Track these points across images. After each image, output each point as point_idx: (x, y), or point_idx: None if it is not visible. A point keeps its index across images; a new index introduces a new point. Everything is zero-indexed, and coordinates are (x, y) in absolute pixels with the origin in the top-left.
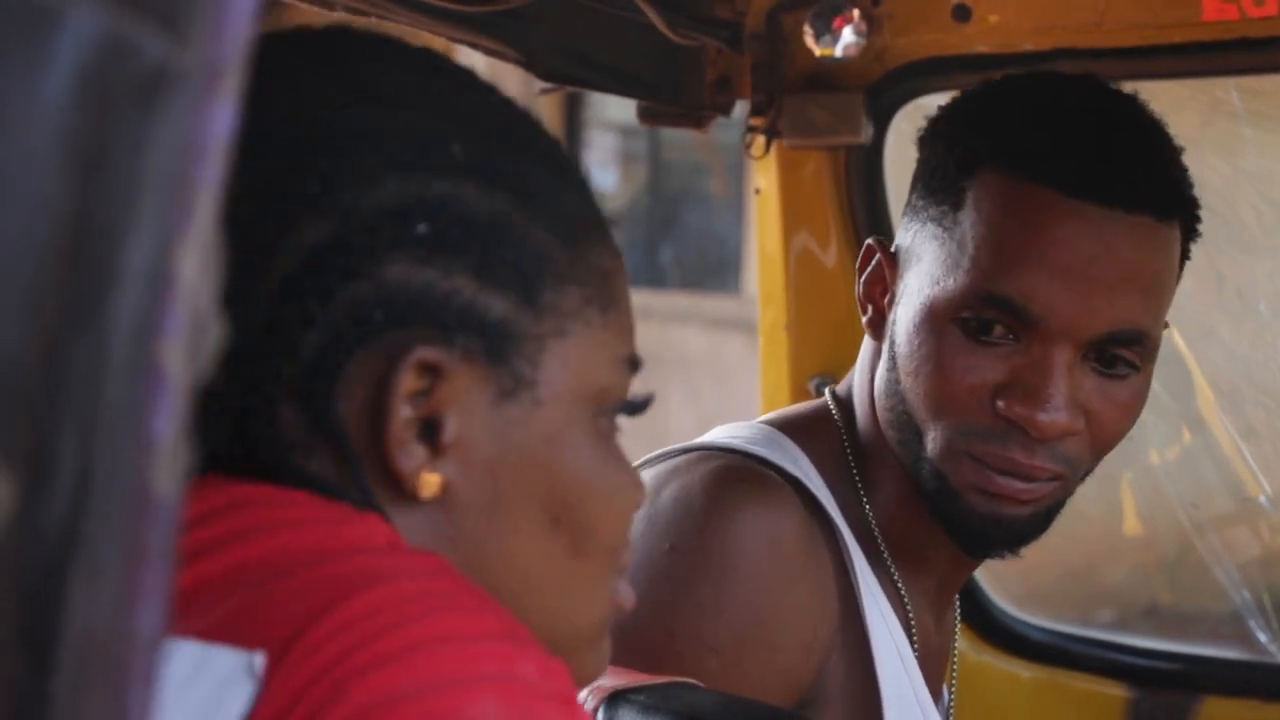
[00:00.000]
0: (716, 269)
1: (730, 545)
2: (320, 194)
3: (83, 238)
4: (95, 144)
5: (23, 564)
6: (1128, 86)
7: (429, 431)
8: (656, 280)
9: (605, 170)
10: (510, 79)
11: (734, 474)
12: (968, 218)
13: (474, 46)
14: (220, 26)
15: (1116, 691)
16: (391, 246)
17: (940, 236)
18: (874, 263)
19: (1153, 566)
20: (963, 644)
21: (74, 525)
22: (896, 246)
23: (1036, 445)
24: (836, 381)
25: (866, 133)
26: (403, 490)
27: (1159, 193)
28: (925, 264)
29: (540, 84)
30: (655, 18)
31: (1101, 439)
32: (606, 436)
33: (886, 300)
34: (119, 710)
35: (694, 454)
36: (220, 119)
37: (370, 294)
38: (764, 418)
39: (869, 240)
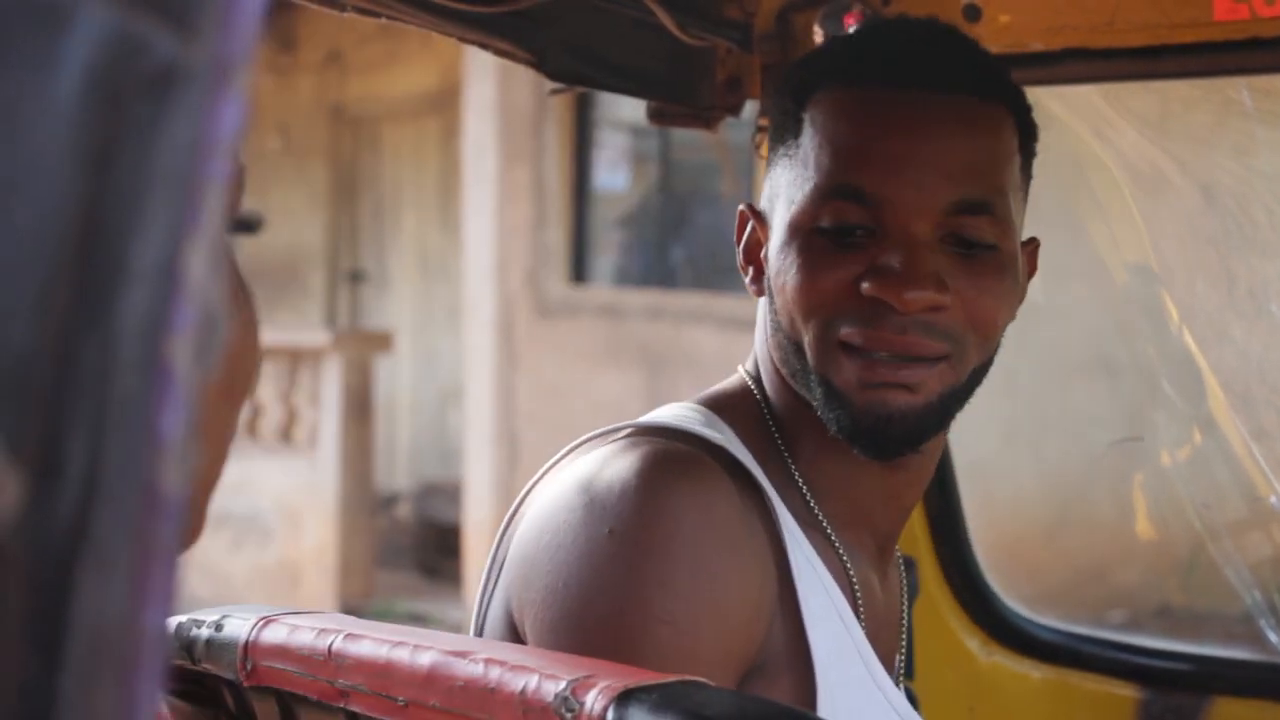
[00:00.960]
0: (728, 269)
1: (668, 522)
2: None
3: (92, 235)
4: (104, 141)
5: (32, 560)
6: (1139, 87)
7: None
8: (668, 280)
9: (616, 170)
10: (521, 79)
11: (666, 455)
12: (808, 137)
13: (485, 47)
14: (229, 23)
15: (1127, 692)
16: None
17: (789, 163)
18: (749, 228)
19: (1164, 568)
20: (971, 642)
21: (83, 522)
22: (763, 207)
23: (908, 324)
24: None
25: None
26: None
27: (976, 76)
28: (782, 195)
29: (551, 84)
30: (665, 18)
31: (976, 317)
32: None
33: (764, 255)
34: (127, 705)
35: (627, 438)
36: (229, 116)
37: None
38: (695, 398)
39: (740, 206)
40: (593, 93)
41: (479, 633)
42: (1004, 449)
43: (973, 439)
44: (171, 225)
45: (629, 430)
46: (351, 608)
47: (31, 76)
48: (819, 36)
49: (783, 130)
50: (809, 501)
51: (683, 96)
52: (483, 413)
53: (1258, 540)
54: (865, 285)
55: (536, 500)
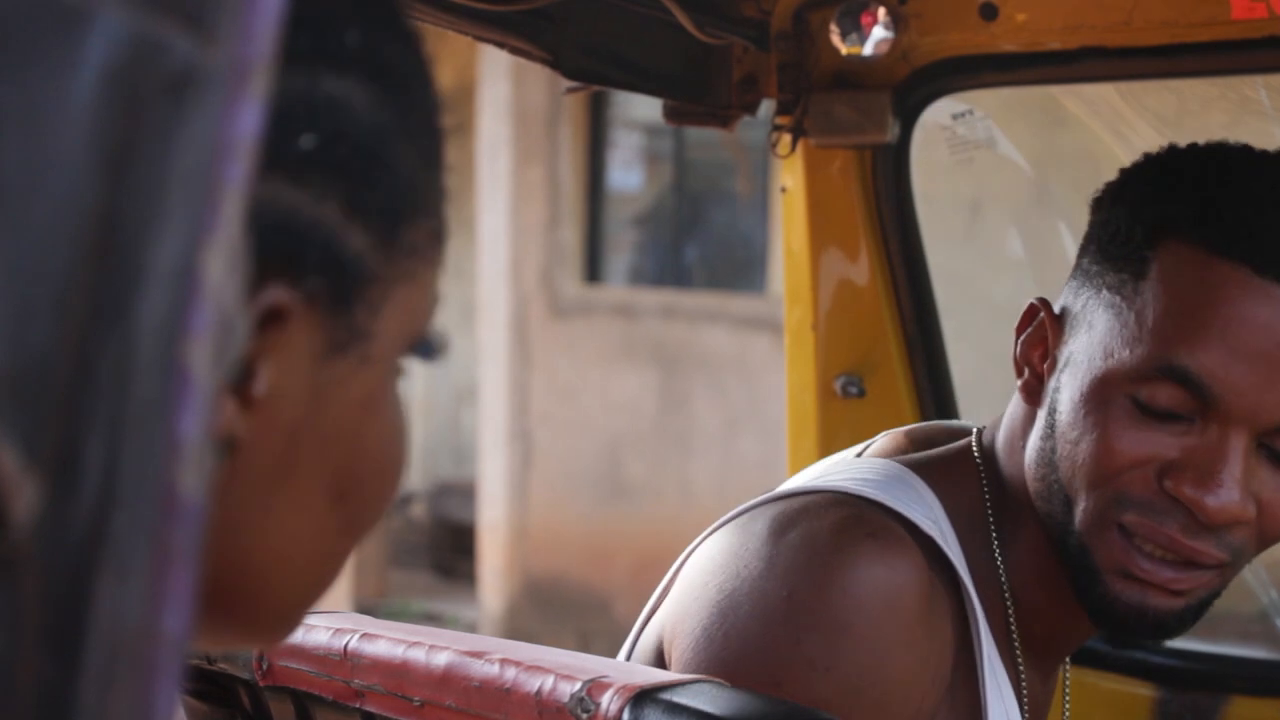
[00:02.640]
0: (742, 268)
1: (848, 603)
2: None
3: (111, 237)
4: (123, 143)
5: (50, 563)
6: (1156, 86)
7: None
8: (682, 280)
9: (630, 170)
10: (536, 78)
11: (861, 526)
12: (1150, 289)
13: (500, 45)
14: (246, 26)
15: (1144, 691)
16: (266, 158)
17: (1117, 305)
18: (1035, 322)
19: None
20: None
21: (101, 525)
22: (1063, 309)
23: (1200, 529)
24: (862, 381)
25: (893, 131)
26: None
27: None
28: (1098, 333)
29: (566, 83)
30: (682, 17)
31: (1267, 530)
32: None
33: (1046, 365)
34: (145, 708)
35: (824, 496)
36: (247, 118)
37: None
38: (900, 454)
39: (1034, 300)
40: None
41: (628, 657)
42: None
43: None
44: (189, 227)
45: (828, 490)
46: (366, 607)
47: (51, 78)
48: (835, 35)
49: (1118, 259)
50: (1006, 600)
51: (699, 95)
52: (497, 412)
53: None
54: (1169, 483)
55: (718, 538)
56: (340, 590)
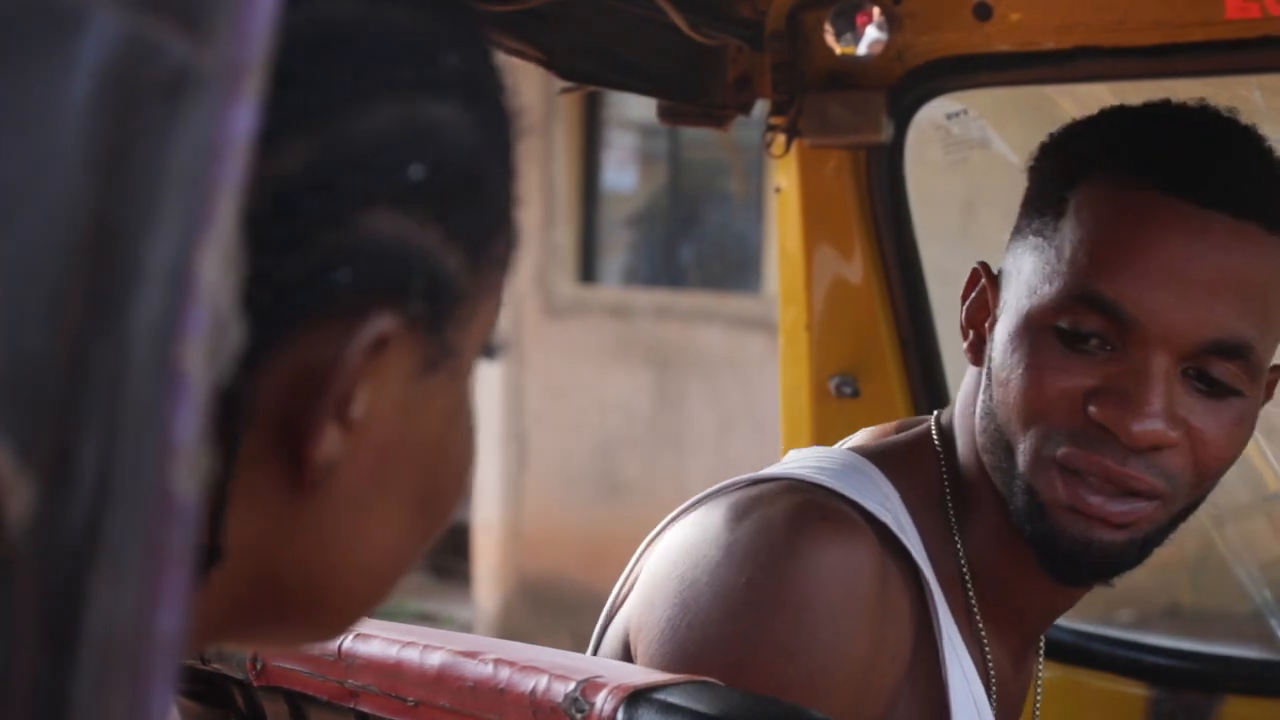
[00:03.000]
0: (737, 268)
1: (807, 586)
2: (300, 112)
3: (105, 238)
4: (118, 144)
5: (46, 564)
6: (1149, 85)
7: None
8: (677, 280)
9: (625, 170)
10: (530, 78)
11: (817, 512)
12: (1068, 224)
13: (494, 45)
14: (241, 27)
15: (1137, 691)
16: (378, 188)
17: (1040, 246)
18: (978, 288)
19: (1173, 566)
20: None
21: (96, 526)
22: (1000, 270)
23: (1129, 454)
24: (857, 381)
25: (887, 131)
26: (291, 481)
27: (1269, 202)
28: (1024, 276)
29: (561, 83)
30: (676, 17)
31: (1203, 461)
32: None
33: (988, 325)
34: (140, 708)
35: (779, 484)
36: (241, 119)
37: (341, 248)
38: (861, 444)
39: (976, 264)
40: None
41: (595, 651)
42: None
43: None
44: (184, 228)
45: (784, 478)
46: None
47: (45, 79)
48: (830, 35)
49: (1041, 205)
50: (966, 582)
51: (693, 95)
52: (491, 412)
53: (1268, 538)
54: (1094, 409)
55: (678, 528)
56: None
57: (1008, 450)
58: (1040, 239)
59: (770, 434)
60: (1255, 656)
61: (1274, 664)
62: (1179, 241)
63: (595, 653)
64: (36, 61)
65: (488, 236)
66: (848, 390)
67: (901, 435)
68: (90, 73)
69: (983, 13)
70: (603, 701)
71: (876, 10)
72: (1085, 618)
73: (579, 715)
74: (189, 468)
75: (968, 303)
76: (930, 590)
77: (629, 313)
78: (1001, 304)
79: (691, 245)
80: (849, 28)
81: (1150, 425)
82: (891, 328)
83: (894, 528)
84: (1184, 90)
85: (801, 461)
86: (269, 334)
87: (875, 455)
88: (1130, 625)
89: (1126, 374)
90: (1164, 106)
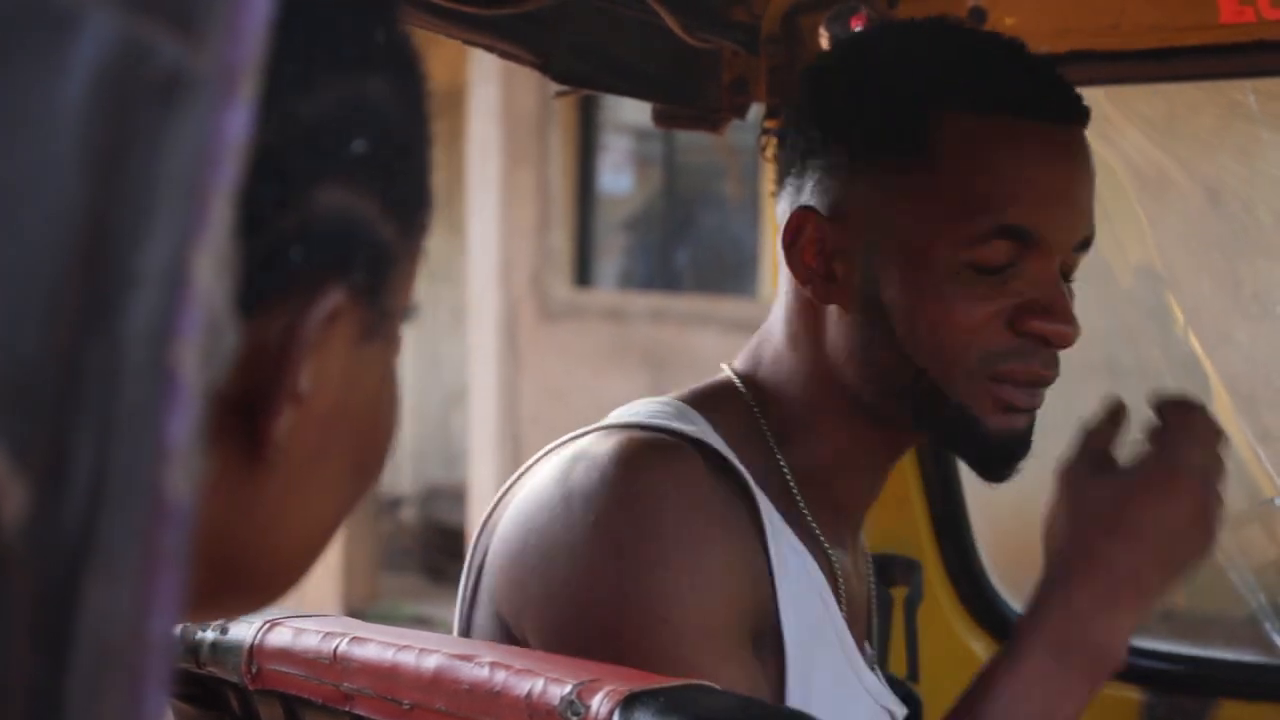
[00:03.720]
0: (732, 272)
1: (649, 501)
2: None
3: (99, 241)
4: (112, 147)
5: (39, 566)
6: (1145, 90)
7: None
8: (672, 283)
9: (620, 173)
10: (526, 82)
11: (640, 442)
12: (948, 165)
13: (490, 49)
14: (236, 29)
15: (1131, 694)
16: (325, 166)
17: (916, 187)
18: (802, 231)
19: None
20: (976, 645)
21: (90, 527)
22: (835, 213)
23: (1051, 357)
24: None
25: None
26: (246, 459)
27: (1081, 103)
28: (908, 218)
29: (556, 87)
30: (671, 21)
31: (1070, 345)
32: None
33: (836, 264)
34: (133, 710)
35: (598, 430)
36: (236, 122)
37: (292, 227)
38: (665, 397)
39: (797, 208)
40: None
41: (464, 623)
42: None
43: None
44: (178, 231)
45: (601, 426)
46: (356, 611)
47: (39, 81)
48: (825, 39)
49: (889, 143)
50: (793, 491)
51: (688, 99)
52: (487, 415)
53: (1263, 542)
54: (1029, 324)
55: (515, 503)
56: (330, 593)
57: (921, 379)
58: (908, 179)
59: None
60: (1249, 660)
61: (1268, 667)
62: (1057, 159)
63: (467, 633)
64: (30, 63)
65: (416, 204)
66: None
67: (700, 385)
68: (85, 75)
69: (978, 17)
70: (599, 704)
71: (871, 15)
72: None
73: (575, 718)
74: (184, 470)
75: (796, 246)
76: (757, 497)
77: (625, 316)
78: (865, 243)
79: (687, 249)
80: (844, 31)
81: (1073, 326)
82: None
83: (720, 448)
84: (1179, 94)
85: (614, 417)
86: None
87: (684, 399)
88: None
89: (1035, 286)
90: (981, 42)
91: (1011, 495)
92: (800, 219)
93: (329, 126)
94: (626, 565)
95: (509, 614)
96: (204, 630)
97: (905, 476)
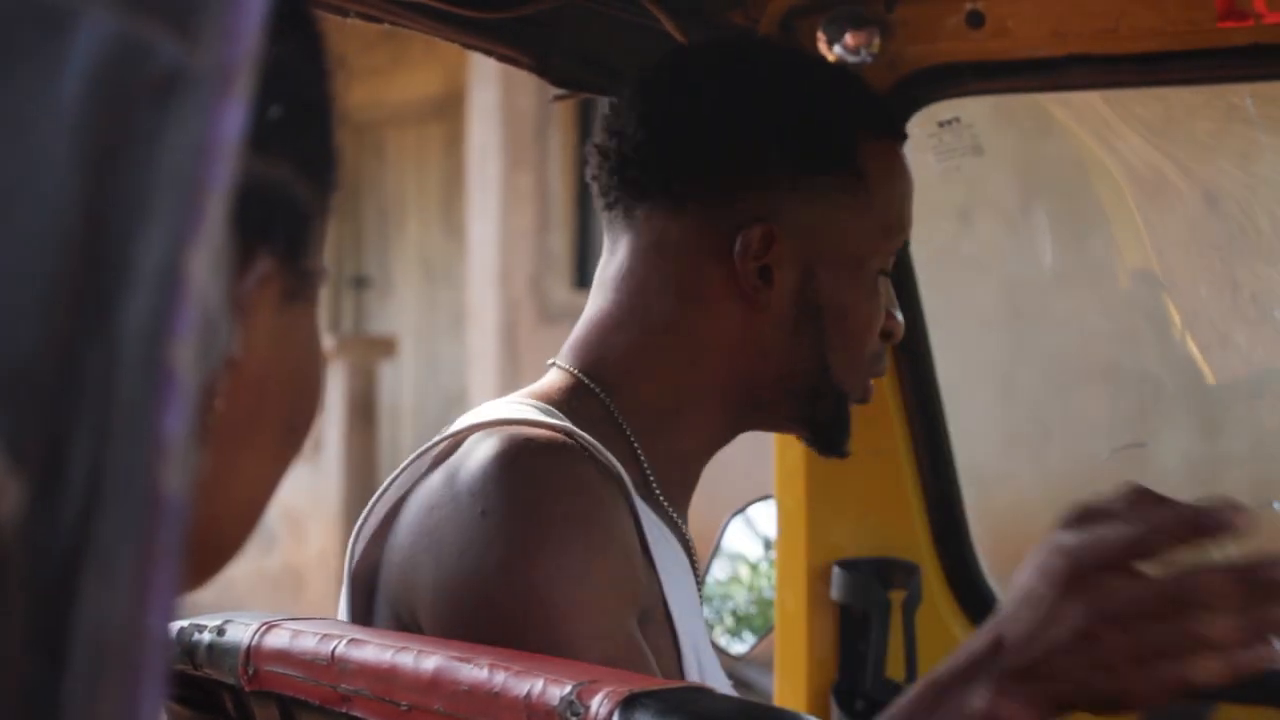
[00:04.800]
0: None
1: (538, 492)
2: None
3: (96, 238)
4: (108, 145)
5: (35, 563)
6: (1143, 93)
7: None
8: None
9: None
10: (525, 85)
11: (522, 435)
12: (875, 184)
13: (488, 53)
14: (231, 28)
15: None
16: (246, 135)
17: (853, 205)
18: (751, 242)
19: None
20: None
21: (86, 525)
22: (767, 227)
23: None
24: None
25: None
26: None
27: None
28: (852, 233)
29: (555, 90)
30: (669, 24)
31: None
32: None
33: (777, 275)
34: (130, 708)
35: (470, 431)
36: (231, 120)
37: None
38: (514, 396)
39: (751, 227)
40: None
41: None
42: (1007, 455)
43: (976, 444)
44: (174, 229)
45: (471, 426)
46: None
47: (36, 80)
48: (823, 43)
49: (828, 164)
50: (650, 478)
51: None
52: None
53: (1262, 547)
54: (890, 322)
55: (406, 509)
56: (329, 596)
57: (824, 373)
58: (844, 195)
59: (763, 440)
60: None
61: (1268, 671)
62: (910, 176)
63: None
64: (26, 63)
65: (326, 162)
66: None
67: (543, 383)
68: (80, 74)
69: (975, 20)
70: (598, 705)
71: (869, 17)
72: None
73: (574, 719)
74: (178, 466)
75: (745, 255)
76: (625, 483)
77: None
78: (803, 259)
79: None
80: (841, 36)
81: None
82: None
83: (588, 442)
84: (1177, 98)
85: (477, 415)
86: None
87: (538, 398)
88: None
89: (887, 290)
90: (848, 72)
91: (1010, 498)
92: (750, 231)
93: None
94: (514, 550)
95: (406, 614)
96: (201, 632)
97: (903, 481)
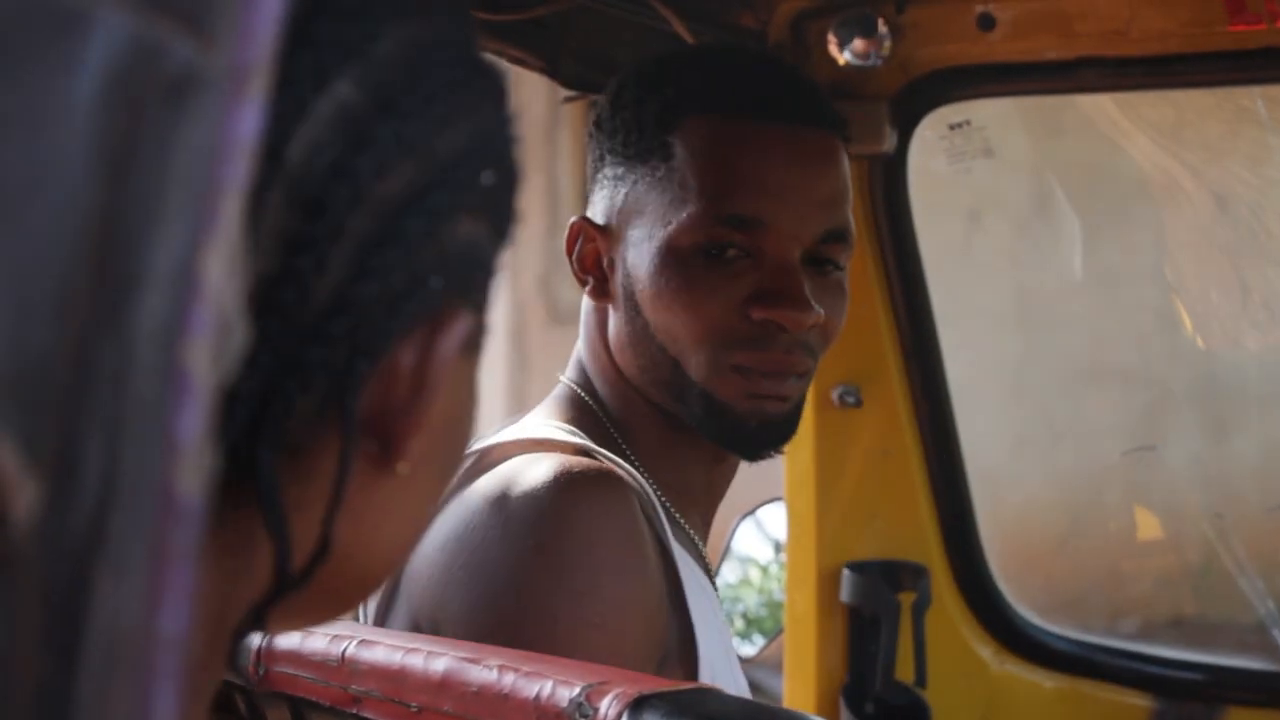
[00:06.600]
0: None
1: (590, 532)
2: (404, 139)
3: (110, 240)
4: (123, 146)
5: (50, 564)
6: (1153, 96)
7: None
8: None
9: None
10: (535, 86)
11: (576, 468)
12: (682, 162)
13: (499, 55)
14: (246, 29)
15: (1140, 702)
16: (461, 198)
17: (660, 185)
18: (583, 238)
19: (1177, 577)
20: (984, 651)
21: (100, 526)
22: (605, 222)
23: (794, 343)
24: (859, 391)
25: (890, 142)
26: (377, 473)
27: (829, 112)
28: (650, 213)
29: (564, 92)
30: (679, 26)
31: (829, 329)
32: None
33: (606, 265)
34: (144, 710)
35: (524, 456)
36: (246, 121)
37: (433, 258)
38: (538, 412)
39: (575, 218)
40: None
41: None
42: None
43: (985, 447)
44: (188, 230)
45: (511, 444)
46: None
47: (51, 81)
48: (833, 45)
49: (643, 153)
50: (660, 497)
51: None
52: (495, 416)
53: (1271, 550)
54: (757, 311)
55: (441, 519)
56: None
57: (677, 368)
58: (655, 177)
59: None
60: (1258, 668)
61: (1276, 675)
62: (782, 155)
63: None
64: (42, 63)
65: (512, 223)
66: (850, 400)
67: (553, 401)
68: (96, 75)
69: (986, 23)
70: (607, 707)
71: (879, 20)
72: (1089, 629)
73: None
74: (193, 467)
75: (575, 254)
76: (655, 506)
77: None
78: (624, 245)
79: None
80: (849, 38)
81: (808, 312)
82: (894, 338)
83: (620, 465)
84: (1187, 101)
85: (511, 433)
86: (379, 347)
87: (558, 417)
88: (1133, 636)
89: (770, 276)
90: (722, 54)
91: (1019, 502)
92: (577, 228)
93: (464, 160)
94: (566, 588)
95: (427, 624)
96: None
97: (913, 484)
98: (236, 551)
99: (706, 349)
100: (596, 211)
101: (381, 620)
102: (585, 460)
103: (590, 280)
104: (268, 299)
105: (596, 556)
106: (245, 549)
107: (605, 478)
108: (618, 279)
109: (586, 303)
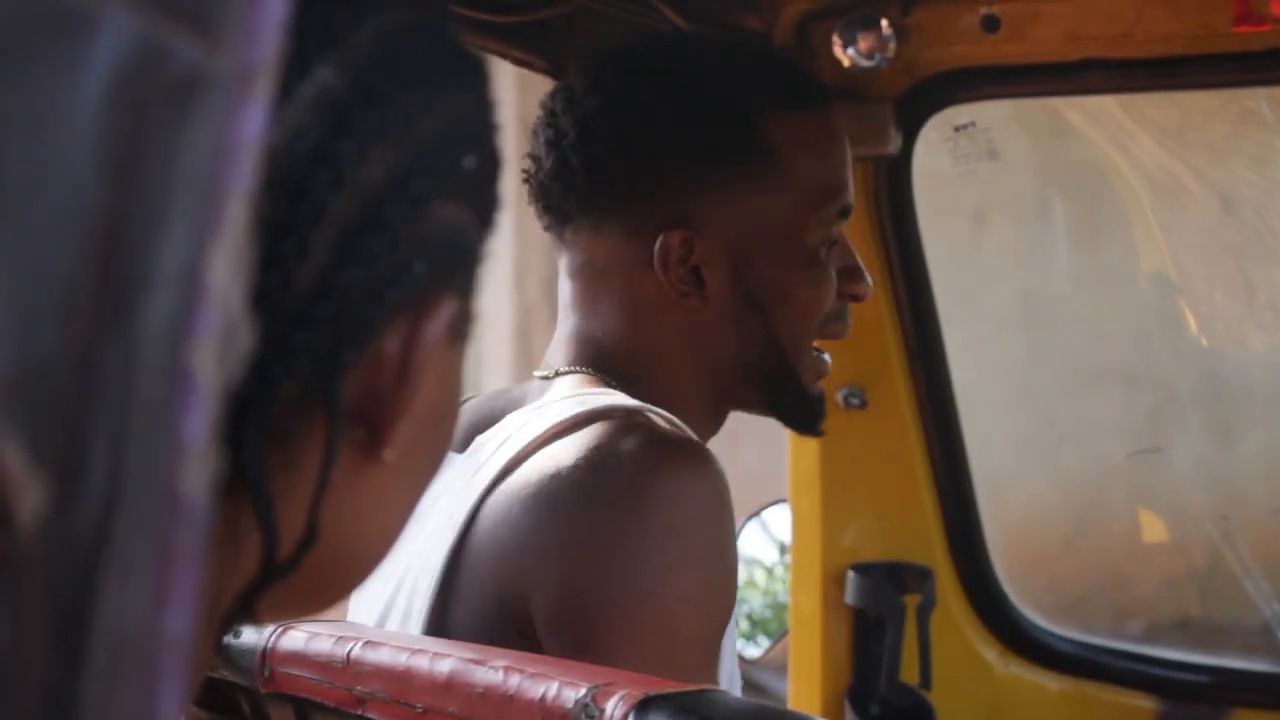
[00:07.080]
0: None
1: (691, 503)
2: (386, 127)
3: (116, 241)
4: (129, 148)
5: (55, 565)
6: (1158, 97)
7: None
8: None
9: None
10: (540, 88)
11: (671, 438)
12: (785, 160)
13: (503, 56)
14: (252, 30)
15: (1145, 704)
16: (442, 184)
17: (771, 184)
18: (673, 249)
19: (1182, 579)
20: (989, 653)
21: (106, 527)
22: (688, 221)
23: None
24: (864, 393)
25: (895, 143)
26: (363, 461)
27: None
28: (773, 214)
29: None
30: (684, 27)
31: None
32: None
33: (702, 265)
34: (148, 710)
35: (607, 425)
36: (252, 122)
37: (417, 244)
38: (594, 399)
39: (665, 235)
40: None
41: (436, 619)
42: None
43: (989, 449)
44: (194, 231)
45: (607, 409)
46: None
47: (56, 82)
48: (838, 47)
49: (731, 151)
50: None
51: None
52: None
53: (1277, 551)
54: (850, 288)
55: (524, 486)
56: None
57: (783, 358)
58: (757, 179)
59: (777, 445)
60: (1263, 669)
61: None
62: (843, 141)
63: (438, 620)
64: (48, 64)
65: (496, 207)
66: (855, 401)
67: (595, 389)
68: (102, 76)
69: (991, 25)
70: (614, 708)
71: (884, 22)
72: (1093, 630)
73: None
74: (198, 469)
75: (668, 263)
76: None
77: None
78: (724, 248)
79: None
80: (855, 40)
81: (871, 281)
82: (899, 339)
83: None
84: (1192, 102)
85: (579, 403)
86: (364, 334)
87: (613, 388)
88: (1138, 638)
89: (847, 253)
90: (765, 49)
91: (1023, 503)
92: (667, 238)
93: (446, 145)
94: (660, 561)
95: (513, 595)
96: None
97: (918, 485)
98: (224, 541)
99: (809, 336)
100: (664, 220)
101: (443, 603)
102: (678, 432)
103: (687, 290)
104: (251, 284)
105: (696, 531)
106: (232, 538)
107: (701, 450)
108: (724, 282)
109: (647, 309)
